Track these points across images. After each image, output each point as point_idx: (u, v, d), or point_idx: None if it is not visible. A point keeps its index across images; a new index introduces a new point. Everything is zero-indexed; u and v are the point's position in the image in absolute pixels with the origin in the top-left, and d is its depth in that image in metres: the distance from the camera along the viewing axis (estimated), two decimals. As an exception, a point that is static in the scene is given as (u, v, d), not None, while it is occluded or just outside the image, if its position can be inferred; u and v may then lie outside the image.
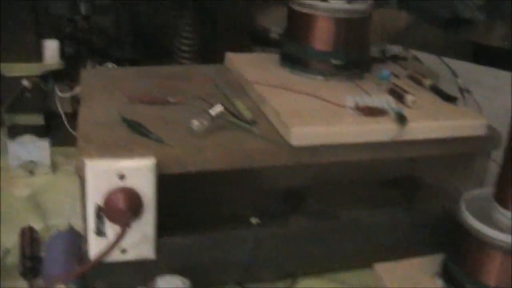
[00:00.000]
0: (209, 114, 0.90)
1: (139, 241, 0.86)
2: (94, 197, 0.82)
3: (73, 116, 1.35)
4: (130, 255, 0.87)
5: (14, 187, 1.21)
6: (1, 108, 1.32)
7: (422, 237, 1.03)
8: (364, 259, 1.01)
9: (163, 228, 0.87)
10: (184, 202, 0.92)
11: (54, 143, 1.28)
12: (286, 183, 0.98)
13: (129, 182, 0.82)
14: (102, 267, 0.88)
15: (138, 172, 0.82)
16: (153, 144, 0.85)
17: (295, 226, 0.95)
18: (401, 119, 0.92)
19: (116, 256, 0.86)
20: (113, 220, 0.82)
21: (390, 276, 0.98)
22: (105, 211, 0.82)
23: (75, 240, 0.96)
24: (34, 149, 1.23)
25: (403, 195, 1.08)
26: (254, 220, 0.92)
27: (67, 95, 1.35)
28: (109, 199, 0.82)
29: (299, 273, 0.99)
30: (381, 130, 0.92)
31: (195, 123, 0.88)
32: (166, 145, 0.85)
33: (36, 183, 1.23)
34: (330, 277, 1.01)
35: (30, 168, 1.23)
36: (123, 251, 0.86)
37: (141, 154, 0.82)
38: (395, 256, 1.02)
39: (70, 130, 1.33)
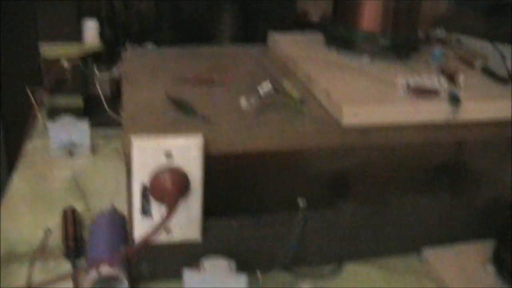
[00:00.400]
0: (257, 92, 0.87)
1: (185, 222, 0.84)
2: (140, 176, 0.80)
3: (112, 99, 1.35)
4: (176, 237, 0.85)
5: (54, 168, 1.20)
6: (40, 90, 1.32)
7: (472, 223, 1.00)
8: (412, 244, 0.99)
9: (209, 209, 0.85)
10: (231, 184, 0.90)
11: (94, 126, 1.26)
12: (334, 167, 0.95)
13: (176, 161, 0.80)
14: (146, 248, 0.86)
15: (186, 150, 0.80)
16: (200, 123, 0.83)
17: (343, 209, 0.93)
18: (455, 100, 0.89)
19: (161, 237, 0.84)
20: (159, 199, 0.81)
21: (439, 262, 0.96)
22: (152, 191, 0.80)
23: (119, 221, 0.95)
24: (74, 130, 1.22)
25: (452, 181, 1.04)
26: (301, 202, 0.89)
27: (107, 76, 1.34)
28: (155, 178, 0.80)
29: (346, 258, 0.97)
30: (434, 111, 0.89)
31: (243, 101, 0.86)
32: (214, 124, 0.83)
33: (76, 165, 1.21)
34: (377, 261, 0.98)
35: (70, 150, 1.22)
36: (169, 232, 0.84)
37: (189, 132, 0.80)
38: (444, 242, 0.99)
39: (110, 112, 1.33)
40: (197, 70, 1.03)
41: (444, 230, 0.99)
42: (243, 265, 0.85)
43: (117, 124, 1.28)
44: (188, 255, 0.87)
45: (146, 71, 1.04)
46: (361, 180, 0.98)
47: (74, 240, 0.95)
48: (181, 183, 0.80)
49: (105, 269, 0.83)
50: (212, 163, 0.82)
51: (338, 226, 0.93)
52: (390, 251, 0.99)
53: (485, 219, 1.00)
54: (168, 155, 0.79)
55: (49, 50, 1.29)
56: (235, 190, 0.91)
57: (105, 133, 1.33)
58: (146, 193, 0.81)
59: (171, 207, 0.78)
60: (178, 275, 0.83)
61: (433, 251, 0.98)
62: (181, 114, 0.86)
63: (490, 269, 0.94)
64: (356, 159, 0.95)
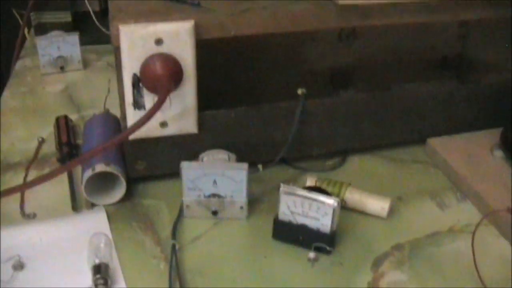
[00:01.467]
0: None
1: (180, 114, 0.81)
2: (131, 66, 0.77)
3: (102, 15, 1.31)
4: (171, 130, 0.82)
5: (46, 83, 1.17)
6: (27, 10, 1.28)
7: (478, 112, 0.97)
8: (417, 135, 0.96)
9: (206, 101, 0.82)
10: (229, 76, 0.86)
11: (84, 42, 1.23)
12: (334, 64, 0.91)
13: (166, 48, 0.76)
14: (142, 146, 0.83)
15: (176, 36, 0.76)
16: (190, 9, 0.79)
17: (344, 98, 0.89)
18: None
19: (156, 131, 0.81)
20: (151, 89, 0.77)
21: (445, 149, 0.93)
22: (143, 80, 0.77)
23: (112, 122, 0.92)
24: (64, 44, 1.18)
25: (456, 72, 1.01)
26: (301, 91, 0.86)
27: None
28: (146, 67, 0.76)
29: (349, 149, 0.94)
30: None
31: (234, -14, 0.82)
32: (205, 9, 0.79)
33: (68, 79, 1.18)
34: (382, 153, 0.96)
35: (60, 64, 1.19)
36: (163, 125, 0.81)
37: (179, 17, 0.76)
38: (450, 132, 0.96)
39: (100, 28, 1.29)
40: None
41: (450, 120, 0.96)
42: (242, 159, 0.82)
43: (108, 40, 1.24)
44: (186, 151, 0.85)
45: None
46: (362, 73, 0.94)
47: (68, 146, 0.92)
48: (173, 69, 0.76)
49: (99, 166, 0.80)
50: (210, 53, 0.78)
51: (339, 116, 0.90)
52: (396, 143, 0.96)
53: (491, 107, 0.97)
54: (158, 41, 0.76)
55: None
56: (234, 82, 0.88)
57: (96, 48, 1.29)
58: (137, 84, 0.77)
59: (164, 93, 0.74)
60: (176, 174, 0.80)
61: (439, 139, 0.95)
62: (170, 2, 0.81)
63: (498, 154, 0.92)
64: (356, 56, 0.92)
